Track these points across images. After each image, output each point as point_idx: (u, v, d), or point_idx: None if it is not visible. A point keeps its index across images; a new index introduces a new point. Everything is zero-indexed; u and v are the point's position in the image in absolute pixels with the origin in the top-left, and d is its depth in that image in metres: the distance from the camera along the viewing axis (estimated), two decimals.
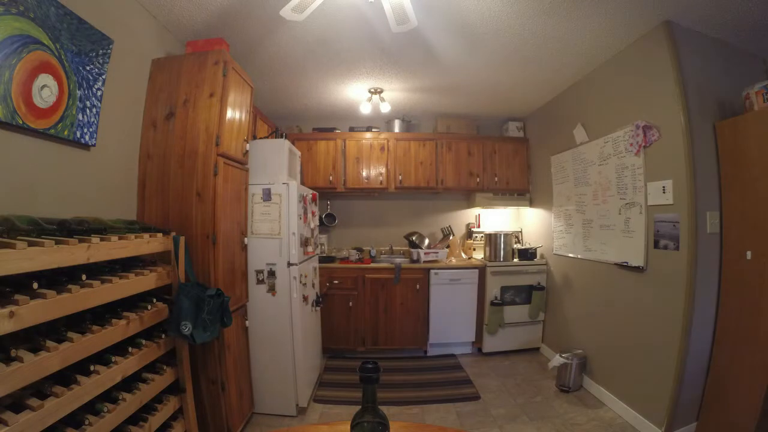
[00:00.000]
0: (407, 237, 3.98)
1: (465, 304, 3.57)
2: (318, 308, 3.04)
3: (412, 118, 4.15)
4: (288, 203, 2.46)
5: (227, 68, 2.02)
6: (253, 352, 2.44)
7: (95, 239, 1.24)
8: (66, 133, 1.49)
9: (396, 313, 3.52)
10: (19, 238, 1.04)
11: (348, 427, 0.77)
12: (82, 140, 1.58)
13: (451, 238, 4.07)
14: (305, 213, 2.71)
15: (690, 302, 2.02)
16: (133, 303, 1.53)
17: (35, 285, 1.02)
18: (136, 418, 1.45)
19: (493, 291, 3.55)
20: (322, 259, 3.56)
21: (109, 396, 1.31)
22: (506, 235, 3.71)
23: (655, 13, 2.07)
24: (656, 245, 2.23)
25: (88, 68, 1.59)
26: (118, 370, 1.32)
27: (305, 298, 2.64)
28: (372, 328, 3.52)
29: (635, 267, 2.37)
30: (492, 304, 3.52)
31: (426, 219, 4.28)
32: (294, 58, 2.69)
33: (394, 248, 4.16)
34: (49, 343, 1.06)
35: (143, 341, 1.51)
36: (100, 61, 1.66)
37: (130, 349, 1.43)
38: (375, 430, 0.74)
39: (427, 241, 3.95)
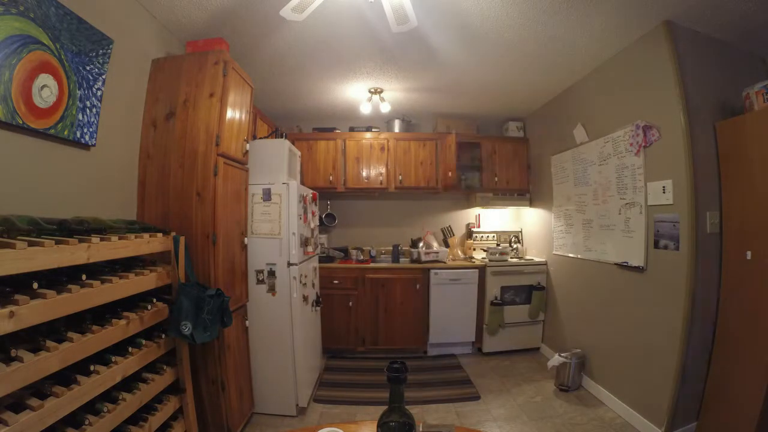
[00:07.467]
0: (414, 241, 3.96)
1: (465, 304, 3.56)
2: (318, 308, 3.04)
3: (412, 118, 4.15)
4: (288, 203, 2.45)
5: (227, 68, 2.02)
6: (253, 352, 2.44)
7: (95, 239, 1.24)
8: (66, 133, 1.49)
9: (396, 313, 3.51)
10: (19, 238, 1.03)
11: (375, 426, 0.78)
12: (82, 140, 1.58)
13: (450, 238, 4.07)
14: (305, 213, 2.71)
15: (690, 302, 2.02)
16: (133, 303, 1.53)
17: (35, 285, 1.02)
18: (136, 418, 1.45)
19: (493, 291, 3.55)
20: (322, 259, 3.56)
21: (109, 396, 1.31)
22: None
23: (655, 13, 2.07)
24: (656, 245, 2.23)
25: (88, 68, 1.59)
26: (118, 370, 1.32)
27: (305, 298, 2.64)
28: (372, 328, 3.52)
29: (635, 267, 2.37)
30: (492, 304, 3.52)
31: (426, 219, 4.28)
32: (294, 57, 2.69)
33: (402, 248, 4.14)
34: (49, 343, 1.06)
35: (143, 341, 1.51)
36: (100, 61, 1.66)
37: (130, 349, 1.43)
38: (402, 430, 0.75)
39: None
